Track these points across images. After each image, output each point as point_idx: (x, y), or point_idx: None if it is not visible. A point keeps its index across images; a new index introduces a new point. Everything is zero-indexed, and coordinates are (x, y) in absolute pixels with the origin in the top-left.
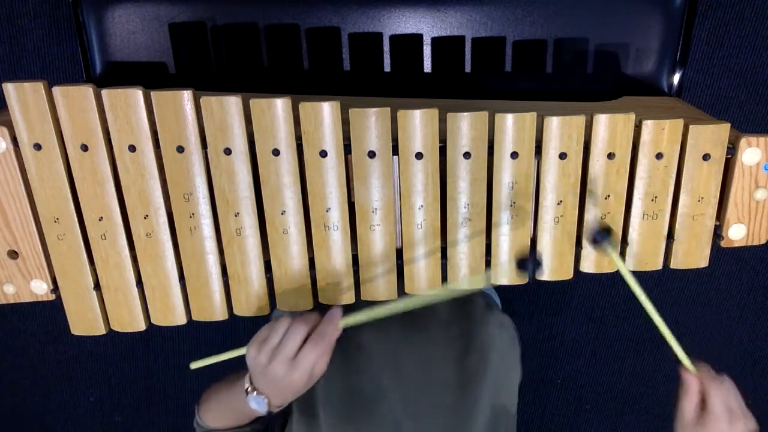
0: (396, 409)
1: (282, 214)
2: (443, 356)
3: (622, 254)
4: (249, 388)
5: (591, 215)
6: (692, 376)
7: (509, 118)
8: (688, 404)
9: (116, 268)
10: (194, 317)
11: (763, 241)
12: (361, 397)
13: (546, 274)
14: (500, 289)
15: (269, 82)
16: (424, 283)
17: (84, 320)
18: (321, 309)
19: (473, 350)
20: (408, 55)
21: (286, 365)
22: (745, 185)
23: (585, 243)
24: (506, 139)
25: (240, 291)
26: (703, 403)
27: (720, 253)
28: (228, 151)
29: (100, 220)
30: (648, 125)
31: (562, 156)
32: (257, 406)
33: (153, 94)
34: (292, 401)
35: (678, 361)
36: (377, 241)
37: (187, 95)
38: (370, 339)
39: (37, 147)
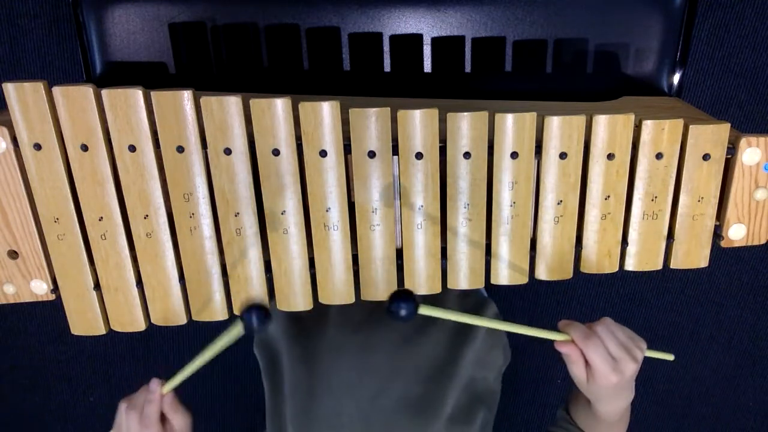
0: (364, 410)
1: (282, 214)
2: (415, 347)
3: (623, 254)
4: None
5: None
6: (566, 345)
7: (509, 118)
8: (576, 369)
9: (116, 268)
10: (194, 317)
11: (763, 241)
12: (327, 408)
13: (545, 274)
14: (501, 289)
15: (269, 82)
16: (424, 283)
17: (84, 320)
18: (319, 308)
19: (446, 337)
20: (408, 55)
21: None
22: (745, 185)
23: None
24: (506, 139)
25: (240, 291)
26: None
27: (720, 253)
28: (228, 151)
29: (100, 220)
30: (648, 125)
31: (562, 156)
32: None
33: (153, 94)
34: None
35: (548, 341)
36: (377, 241)
37: (187, 95)
38: (342, 340)
39: (37, 147)
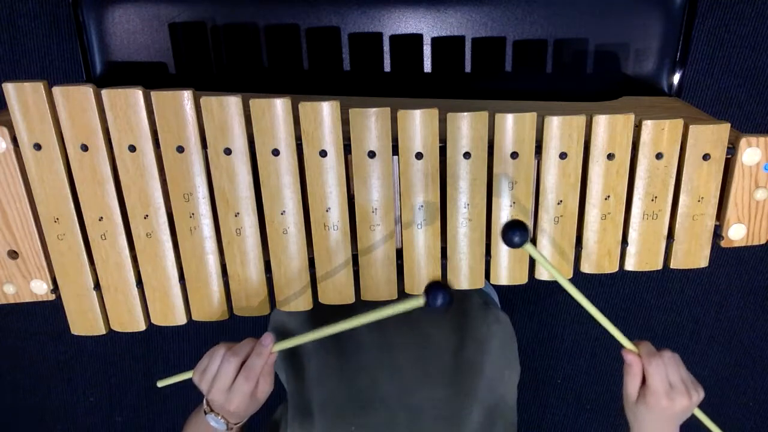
0: (390, 405)
1: (282, 214)
2: (438, 352)
3: (623, 254)
4: (206, 409)
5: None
6: (632, 354)
7: (509, 118)
8: (631, 382)
9: (116, 268)
10: (194, 317)
11: (763, 241)
12: (355, 395)
13: (546, 274)
14: (500, 289)
15: (269, 82)
16: (424, 283)
17: (84, 320)
18: (320, 309)
19: (469, 345)
20: (408, 55)
21: (223, 395)
22: (745, 185)
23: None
24: (506, 139)
25: (240, 291)
26: (645, 381)
27: (720, 253)
28: (228, 151)
29: (100, 220)
30: (648, 125)
31: (562, 156)
32: (216, 424)
33: (153, 94)
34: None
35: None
36: (377, 241)
37: (187, 95)
38: (365, 336)
39: (37, 147)
